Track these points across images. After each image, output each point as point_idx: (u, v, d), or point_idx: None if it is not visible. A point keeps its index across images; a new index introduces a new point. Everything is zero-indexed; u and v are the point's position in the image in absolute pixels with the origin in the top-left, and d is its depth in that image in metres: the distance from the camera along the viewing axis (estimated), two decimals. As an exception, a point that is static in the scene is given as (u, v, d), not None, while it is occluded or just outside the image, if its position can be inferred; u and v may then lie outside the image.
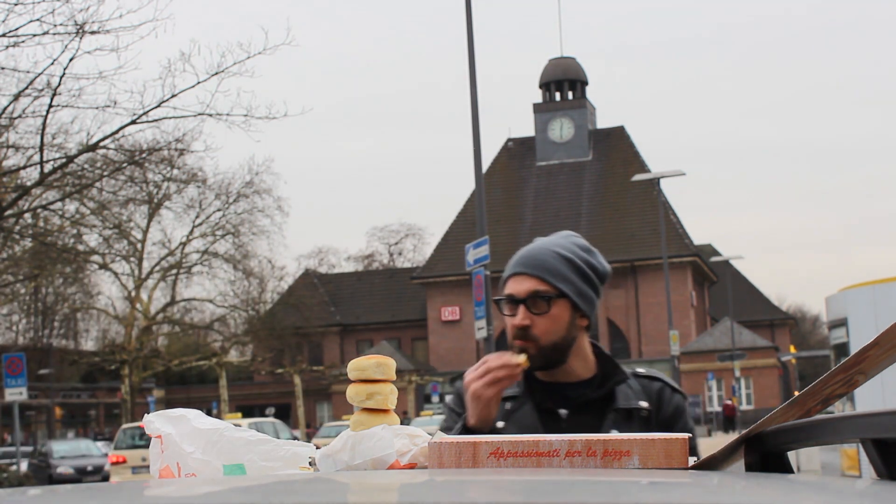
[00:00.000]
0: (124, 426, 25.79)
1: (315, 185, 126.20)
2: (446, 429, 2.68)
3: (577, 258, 2.76)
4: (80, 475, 31.79)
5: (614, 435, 1.78)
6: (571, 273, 2.74)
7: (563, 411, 2.72)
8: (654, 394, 2.78)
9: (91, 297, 46.62)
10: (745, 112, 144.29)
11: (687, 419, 2.78)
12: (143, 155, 26.07)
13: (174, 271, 44.03)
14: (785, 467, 1.67)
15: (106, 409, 65.49)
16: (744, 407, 60.08)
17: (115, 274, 42.15)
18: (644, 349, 69.89)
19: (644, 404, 2.74)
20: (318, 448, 1.92)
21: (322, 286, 75.39)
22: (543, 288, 2.71)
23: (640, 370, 2.87)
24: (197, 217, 42.90)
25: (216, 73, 20.10)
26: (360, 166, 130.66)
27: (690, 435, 2.53)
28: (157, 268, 43.46)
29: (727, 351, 58.96)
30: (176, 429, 1.92)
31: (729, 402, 54.73)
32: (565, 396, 2.75)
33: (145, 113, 20.21)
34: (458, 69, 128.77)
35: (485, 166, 57.44)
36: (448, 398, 2.91)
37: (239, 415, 37.78)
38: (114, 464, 23.82)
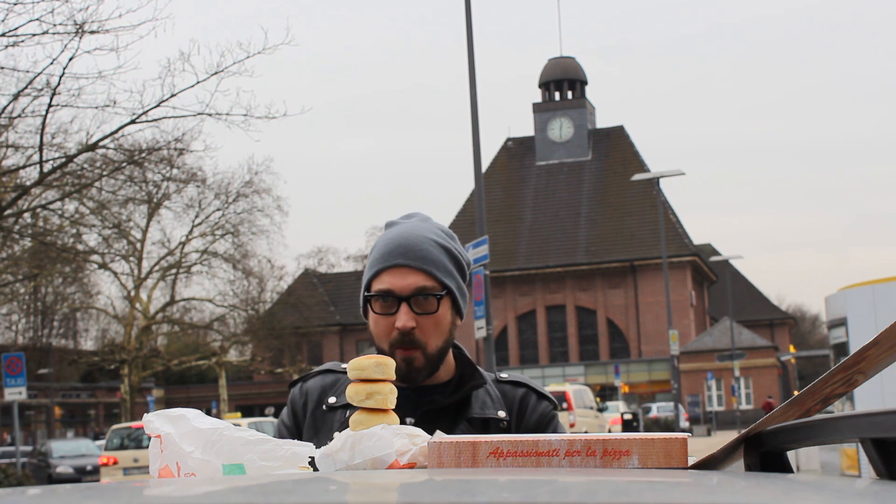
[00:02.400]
0: (114, 427, 25.69)
1: (315, 184, 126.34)
2: None
3: (452, 248, 2.42)
4: (80, 475, 31.81)
5: (614, 435, 1.78)
6: (452, 266, 2.40)
7: (409, 419, 2.31)
8: (516, 401, 2.44)
9: (90, 297, 46.61)
10: (745, 111, 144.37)
11: (556, 428, 2.45)
12: (143, 154, 26.08)
13: (174, 271, 44.03)
14: (784, 467, 1.67)
15: (105, 409, 65.46)
16: (743, 407, 60.09)
17: (115, 273, 42.15)
18: (643, 349, 69.89)
19: (502, 414, 2.40)
20: (317, 448, 1.92)
21: (322, 286, 75.41)
22: (431, 284, 2.34)
23: (504, 375, 2.52)
24: (196, 217, 42.91)
25: (216, 73, 20.11)
26: (360, 166, 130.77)
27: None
28: (157, 267, 43.46)
29: (727, 350, 58.96)
30: (175, 428, 1.92)
31: (770, 400, 55.18)
32: (414, 402, 2.36)
33: (145, 112, 20.21)
34: (457, 69, 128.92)
35: (484, 166, 57.51)
36: (283, 412, 2.52)
37: (238, 415, 37.76)
38: (104, 465, 23.65)
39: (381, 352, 2.38)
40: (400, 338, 2.33)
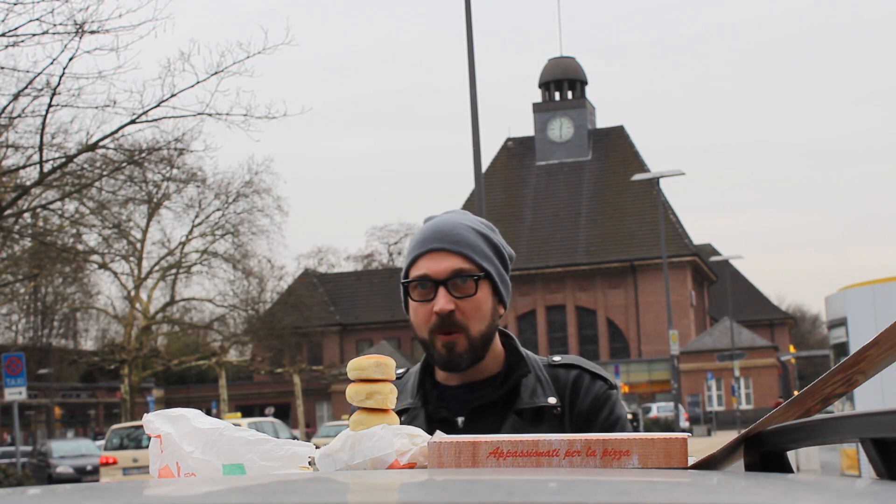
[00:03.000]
0: (114, 427, 25.69)
1: (315, 184, 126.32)
2: None
3: (491, 237, 2.39)
4: (80, 475, 31.81)
5: (613, 435, 1.77)
6: (490, 252, 2.36)
7: (459, 419, 2.31)
8: (568, 384, 2.36)
9: (90, 297, 46.61)
10: (745, 111, 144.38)
11: (613, 408, 2.35)
12: (143, 155, 26.07)
13: (174, 271, 44.01)
14: (784, 467, 1.67)
15: (105, 409, 65.49)
16: (743, 407, 60.09)
17: (115, 273, 42.13)
18: (643, 349, 69.90)
19: (553, 400, 2.32)
20: (317, 448, 1.93)
21: (322, 286, 75.44)
22: (468, 266, 2.30)
23: (557, 358, 2.43)
24: (196, 217, 42.89)
25: (216, 73, 20.10)
26: (360, 166, 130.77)
27: (619, 420, 2.36)
28: (157, 267, 43.45)
29: (727, 350, 58.97)
30: (175, 428, 1.92)
31: (780, 400, 55.19)
32: (463, 400, 2.34)
33: (145, 112, 20.20)
34: (457, 69, 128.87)
35: (484, 166, 57.50)
36: None
37: (238, 415, 37.76)
38: (104, 465, 23.66)
39: (422, 342, 2.35)
40: (440, 322, 2.28)
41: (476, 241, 2.33)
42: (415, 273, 2.32)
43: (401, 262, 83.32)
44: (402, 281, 2.36)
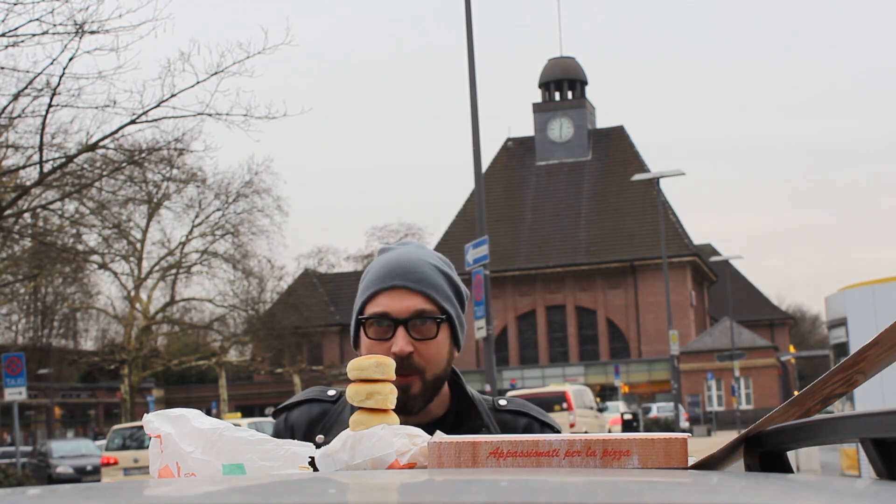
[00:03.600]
0: (115, 427, 25.73)
1: (315, 184, 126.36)
2: None
3: (451, 276, 2.28)
4: (80, 475, 31.82)
5: (614, 435, 1.77)
6: (451, 293, 2.25)
7: None
8: (518, 433, 2.27)
9: (90, 297, 46.63)
10: (745, 111, 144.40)
11: None
12: (143, 155, 26.08)
13: (174, 271, 44.02)
14: (784, 467, 1.67)
15: (105, 409, 65.49)
16: (743, 407, 60.10)
17: (115, 274, 42.15)
18: (643, 349, 69.90)
19: None
20: (317, 448, 1.92)
21: (322, 286, 75.44)
22: (430, 308, 2.19)
23: (502, 402, 2.33)
24: (196, 217, 42.91)
25: (216, 73, 20.10)
26: (360, 166, 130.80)
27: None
28: (157, 267, 43.46)
29: (727, 351, 58.98)
30: (175, 428, 1.92)
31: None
32: None
33: (145, 113, 20.21)
34: (457, 69, 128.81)
35: (484, 166, 57.62)
36: None
37: (238, 415, 37.71)
38: (105, 465, 23.70)
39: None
40: (396, 363, 2.11)
41: (439, 280, 2.23)
42: (372, 309, 2.20)
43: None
44: (358, 317, 2.22)
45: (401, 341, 2.17)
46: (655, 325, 67.99)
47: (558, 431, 2.28)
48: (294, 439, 2.20)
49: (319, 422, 2.31)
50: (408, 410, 2.18)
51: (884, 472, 1.42)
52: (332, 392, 2.37)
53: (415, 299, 2.19)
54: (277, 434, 2.31)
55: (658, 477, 1.49)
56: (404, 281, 2.19)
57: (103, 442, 43.40)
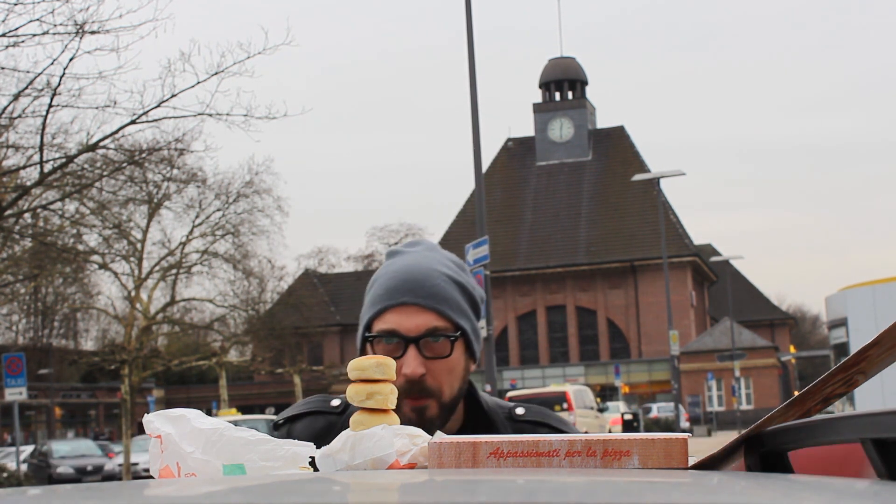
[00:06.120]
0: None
1: (315, 184, 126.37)
2: None
3: (465, 283, 2.13)
4: (80, 475, 31.83)
5: (614, 435, 1.77)
6: (465, 304, 2.12)
7: None
8: None
9: (91, 297, 46.63)
10: (745, 111, 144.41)
11: None
12: (143, 155, 26.07)
13: (174, 271, 44.00)
14: (785, 467, 1.67)
15: (106, 409, 65.51)
16: (743, 407, 60.10)
17: (115, 274, 42.11)
18: (644, 349, 69.90)
19: None
20: (317, 448, 1.92)
21: (322, 286, 75.45)
22: (443, 325, 2.07)
23: (520, 411, 2.21)
24: (197, 217, 42.88)
25: (216, 73, 20.09)
26: (360, 166, 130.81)
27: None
28: (157, 268, 43.43)
29: (727, 351, 58.98)
30: (176, 428, 1.92)
31: None
32: None
33: (145, 113, 20.20)
34: (457, 69, 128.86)
35: (485, 166, 57.64)
36: None
37: (233, 410, 37.47)
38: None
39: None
40: (408, 386, 2.05)
41: (452, 293, 2.09)
42: (381, 326, 2.08)
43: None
44: (365, 335, 2.11)
45: (412, 363, 2.06)
46: (656, 325, 67.98)
47: None
48: None
49: (324, 437, 2.18)
50: (425, 431, 2.11)
51: (884, 472, 1.42)
52: (335, 402, 2.27)
53: (426, 316, 2.07)
54: None
55: (658, 477, 1.49)
56: (415, 297, 2.07)
57: (104, 442, 43.48)
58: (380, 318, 2.09)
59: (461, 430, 2.20)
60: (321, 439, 2.17)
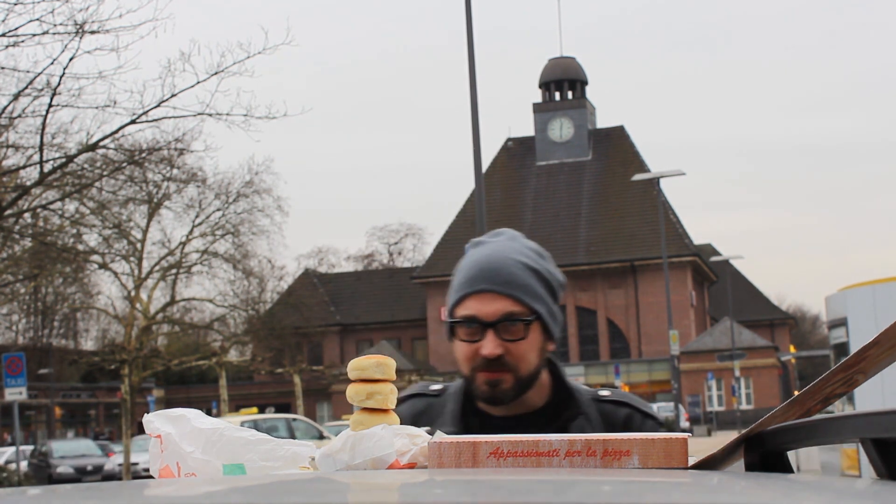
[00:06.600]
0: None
1: (315, 184, 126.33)
2: None
3: (542, 269, 2.30)
4: (80, 475, 31.83)
5: (614, 435, 1.77)
6: (541, 289, 2.28)
7: None
8: (619, 423, 2.31)
9: (91, 297, 46.63)
10: (745, 111, 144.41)
11: None
12: (143, 155, 26.07)
13: (174, 271, 44.00)
14: (785, 467, 1.67)
15: (106, 409, 65.51)
16: (743, 407, 60.11)
17: (115, 274, 42.10)
18: (644, 349, 69.89)
19: None
20: (318, 448, 1.93)
21: (322, 286, 75.46)
22: (518, 309, 2.24)
23: (604, 392, 2.38)
24: (197, 217, 42.88)
25: (216, 73, 20.08)
26: (360, 166, 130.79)
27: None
28: (157, 267, 43.43)
29: (727, 351, 58.98)
30: (176, 428, 1.92)
31: None
32: (508, 433, 2.19)
33: (145, 113, 20.19)
34: (457, 69, 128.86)
35: (485, 166, 57.50)
36: None
37: (255, 409, 37.25)
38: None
39: (464, 376, 2.32)
40: (485, 364, 2.24)
41: (527, 279, 2.26)
42: (461, 312, 2.27)
43: (401, 262, 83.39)
44: (449, 321, 2.30)
45: (490, 344, 2.23)
46: (656, 325, 67.98)
47: (661, 422, 2.37)
48: None
49: (423, 414, 2.39)
50: (497, 402, 2.29)
51: (884, 472, 1.42)
52: (436, 386, 2.47)
53: (502, 302, 2.24)
54: None
55: (658, 477, 1.49)
56: (491, 284, 2.24)
57: (105, 442, 43.45)
58: (461, 305, 2.27)
59: (546, 407, 2.35)
60: (420, 417, 2.38)
